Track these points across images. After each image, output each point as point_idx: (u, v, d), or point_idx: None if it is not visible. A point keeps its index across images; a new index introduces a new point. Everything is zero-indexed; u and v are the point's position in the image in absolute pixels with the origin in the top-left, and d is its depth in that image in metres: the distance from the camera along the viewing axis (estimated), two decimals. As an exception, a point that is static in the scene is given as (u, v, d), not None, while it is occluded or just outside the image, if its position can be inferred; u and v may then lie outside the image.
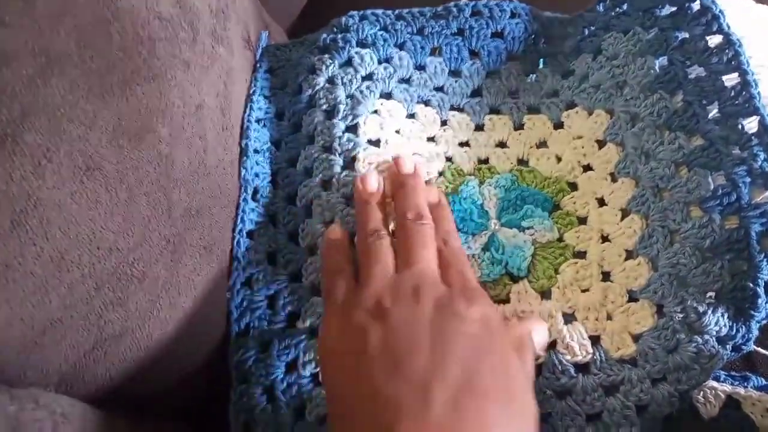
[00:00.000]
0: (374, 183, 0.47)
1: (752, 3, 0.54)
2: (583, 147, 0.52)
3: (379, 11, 0.57)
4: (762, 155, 0.41)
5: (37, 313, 0.32)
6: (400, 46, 0.57)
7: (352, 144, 0.51)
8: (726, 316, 0.41)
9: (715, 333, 0.41)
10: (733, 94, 0.44)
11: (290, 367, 0.45)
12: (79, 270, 0.34)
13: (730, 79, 0.45)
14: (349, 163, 0.51)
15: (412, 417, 0.32)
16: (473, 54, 0.57)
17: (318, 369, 0.45)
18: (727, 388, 0.46)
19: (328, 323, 0.40)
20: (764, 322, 0.42)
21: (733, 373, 0.49)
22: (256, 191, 0.52)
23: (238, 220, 0.49)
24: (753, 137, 0.42)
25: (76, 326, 0.35)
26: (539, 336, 0.43)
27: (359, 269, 0.43)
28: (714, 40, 0.46)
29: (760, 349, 0.51)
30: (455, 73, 0.57)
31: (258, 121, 0.55)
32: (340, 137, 0.52)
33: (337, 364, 0.38)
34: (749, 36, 0.49)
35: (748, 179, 0.41)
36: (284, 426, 0.43)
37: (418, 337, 0.36)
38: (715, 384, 0.46)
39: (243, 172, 0.51)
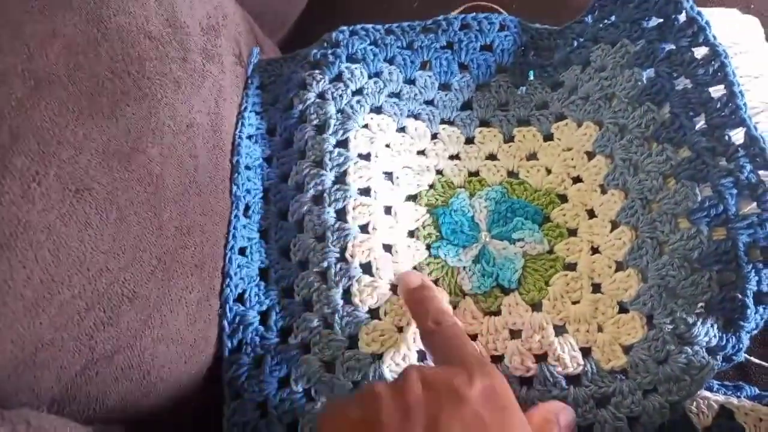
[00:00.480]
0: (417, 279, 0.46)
1: (738, 14, 0.54)
2: (572, 159, 0.52)
3: (369, 26, 0.57)
4: (748, 166, 0.41)
5: (28, 334, 0.33)
6: (390, 61, 0.57)
7: (342, 158, 0.52)
8: (715, 326, 0.41)
9: (705, 344, 0.41)
10: (719, 105, 0.44)
11: (283, 382, 0.46)
12: (70, 291, 0.34)
13: (717, 91, 0.45)
14: (340, 177, 0.51)
15: None
16: (463, 67, 0.58)
17: (310, 384, 0.45)
18: (720, 398, 0.46)
19: None
20: (755, 332, 0.42)
21: (726, 383, 0.49)
22: (247, 207, 0.52)
23: (230, 237, 0.50)
24: (739, 148, 0.42)
25: (67, 347, 0.35)
26: (566, 417, 0.40)
27: None
28: (700, 52, 0.46)
29: (753, 359, 0.51)
30: (445, 87, 0.58)
31: (249, 137, 0.55)
32: (330, 152, 0.52)
33: None
34: (736, 46, 0.50)
35: (734, 191, 0.41)
36: None
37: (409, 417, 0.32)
38: (708, 394, 0.46)
39: (234, 188, 0.52)
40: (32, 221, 0.32)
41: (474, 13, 0.57)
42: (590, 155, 0.52)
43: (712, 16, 0.49)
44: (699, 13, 0.48)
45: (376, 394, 0.35)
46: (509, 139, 0.55)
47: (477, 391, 0.33)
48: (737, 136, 0.43)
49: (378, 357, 0.45)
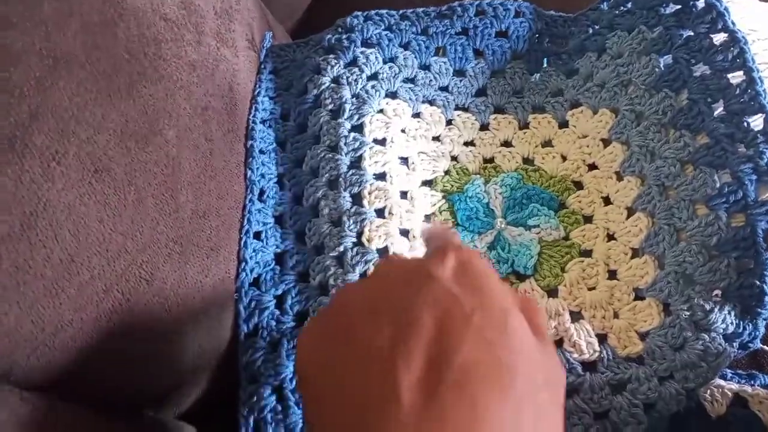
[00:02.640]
0: None
1: (757, 2, 0.54)
2: (588, 146, 0.52)
3: (384, 11, 0.57)
4: None
5: (47, 314, 0.32)
6: (405, 46, 0.57)
7: (358, 143, 0.51)
8: (732, 313, 0.41)
9: (721, 330, 0.41)
10: (738, 92, 0.44)
11: None
12: (89, 272, 0.34)
13: (735, 77, 0.45)
14: (356, 162, 0.51)
15: (384, 419, 0.26)
16: (478, 53, 0.57)
17: None
18: (734, 386, 0.46)
19: None
20: None
21: (739, 371, 0.49)
22: (262, 192, 0.52)
23: (245, 221, 0.49)
24: (759, 135, 0.42)
25: (87, 328, 0.35)
26: None
27: None
28: (719, 38, 0.46)
29: (766, 348, 0.51)
30: (460, 73, 0.57)
31: (263, 122, 0.55)
32: (346, 137, 0.52)
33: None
34: (754, 33, 0.49)
35: (754, 177, 0.41)
36: (294, 426, 0.43)
37: (379, 323, 0.29)
38: (722, 382, 0.46)
39: (249, 173, 0.51)
40: (52, 200, 0.32)
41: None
42: (606, 142, 0.51)
43: (731, 3, 0.49)
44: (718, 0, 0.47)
45: (344, 290, 0.33)
46: (524, 125, 0.55)
47: (448, 270, 0.30)
48: (756, 122, 0.43)
49: None
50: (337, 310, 0.32)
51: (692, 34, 0.48)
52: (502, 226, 0.51)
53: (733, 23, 0.46)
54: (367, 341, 0.28)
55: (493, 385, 0.26)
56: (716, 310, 0.41)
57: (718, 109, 0.45)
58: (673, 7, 0.50)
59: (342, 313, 0.31)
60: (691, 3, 0.48)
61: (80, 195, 0.34)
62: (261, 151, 0.53)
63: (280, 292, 0.48)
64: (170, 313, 0.40)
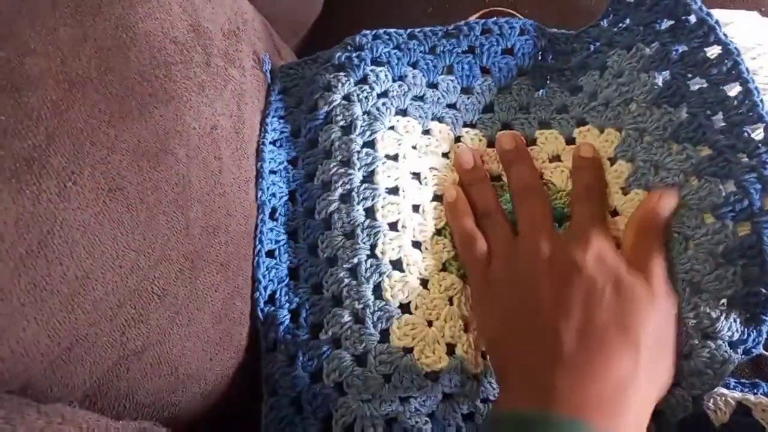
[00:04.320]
0: (469, 159, 0.54)
1: (758, 16, 0.55)
2: None
3: (392, 30, 0.58)
4: None
5: (63, 329, 0.33)
6: (414, 65, 0.58)
7: (371, 158, 0.52)
8: (738, 321, 0.41)
9: (727, 338, 0.41)
10: (736, 103, 0.44)
11: (315, 377, 0.46)
12: (103, 288, 0.35)
13: (732, 89, 0.45)
14: (368, 176, 0.52)
15: (551, 361, 0.41)
16: (484, 71, 0.58)
17: (342, 378, 0.46)
18: (737, 395, 0.46)
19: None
20: None
21: (743, 380, 0.49)
22: (274, 211, 0.53)
23: (257, 242, 0.51)
24: (760, 145, 0.42)
25: (101, 342, 0.36)
26: (667, 205, 0.46)
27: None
28: (713, 51, 0.47)
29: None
30: (467, 91, 0.58)
31: (273, 142, 0.56)
32: (358, 152, 0.53)
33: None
34: (759, 47, 0.50)
35: (758, 186, 0.41)
36: None
37: (542, 290, 0.44)
38: (725, 391, 0.46)
39: (260, 193, 0.52)
40: (68, 219, 0.33)
41: (494, 18, 0.58)
42: (612, 161, 0.52)
43: (734, 17, 0.50)
44: (708, 14, 0.48)
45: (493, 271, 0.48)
46: (531, 141, 0.56)
47: (590, 260, 0.44)
48: (757, 132, 0.43)
49: (409, 350, 0.46)
50: (502, 285, 0.47)
51: (687, 48, 0.48)
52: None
53: (725, 35, 0.46)
54: (535, 302, 0.44)
55: (620, 340, 0.40)
56: (723, 318, 0.41)
57: (719, 122, 0.45)
58: (667, 23, 0.50)
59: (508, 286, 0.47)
60: (684, 18, 0.49)
61: (95, 213, 0.35)
62: (271, 171, 0.54)
63: (294, 305, 0.50)
64: (181, 327, 0.41)
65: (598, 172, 0.51)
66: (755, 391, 0.48)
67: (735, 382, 0.48)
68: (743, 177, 0.42)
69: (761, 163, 0.42)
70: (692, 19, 0.48)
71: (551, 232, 0.47)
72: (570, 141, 0.55)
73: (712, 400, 0.45)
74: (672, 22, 0.50)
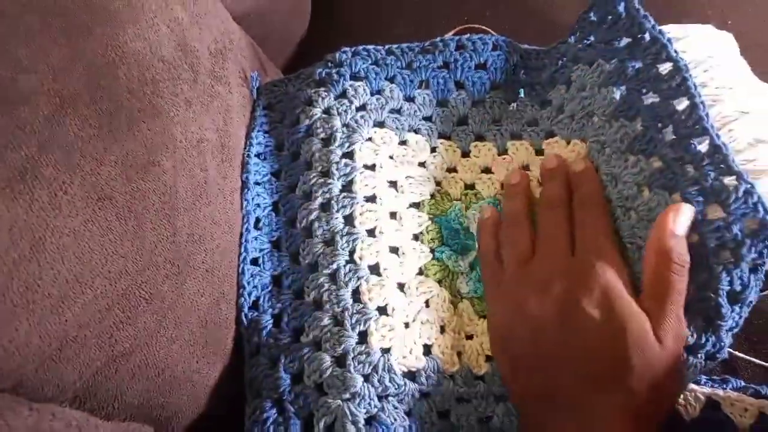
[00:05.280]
0: (516, 176, 0.55)
1: (714, 29, 0.57)
2: None
3: (370, 47, 0.60)
4: (712, 174, 0.43)
5: (54, 330, 0.35)
6: (391, 80, 0.61)
7: (349, 168, 0.55)
8: (693, 326, 0.43)
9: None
10: (684, 117, 0.46)
11: (297, 379, 0.48)
12: (92, 291, 0.37)
13: (680, 103, 0.47)
14: (347, 185, 0.55)
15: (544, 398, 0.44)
16: (459, 85, 0.61)
17: (322, 378, 0.47)
18: (706, 390, 0.48)
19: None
20: (736, 330, 0.44)
21: (714, 377, 0.51)
22: (258, 220, 0.56)
23: (242, 250, 0.53)
24: (704, 157, 0.44)
25: (90, 344, 0.38)
26: (682, 225, 0.43)
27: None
28: (664, 68, 0.49)
29: (738, 354, 0.53)
30: (442, 104, 0.61)
31: (258, 155, 0.59)
32: (337, 162, 0.55)
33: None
34: (710, 60, 0.53)
35: (700, 198, 0.43)
36: None
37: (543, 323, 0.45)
38: (694, 387, 0.48)
39: (245, 203, 0.55)
40: (59, 226, 0.35)
41: (468, 35, 0.61)
42: None
43: (689, 31, 0.52)
44: (661, 32, 0.50)
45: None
46: (503, 151, 0.58)
47: (593, 301, 0.44)
48: (702, 145, 0.45)
49: (386, 351, 0.48)
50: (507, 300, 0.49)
51: (641, 65, 0.51)
52: (480, 248, 0.54)
53: (676, 52, 0.49)
54: (537, 319, 0.45)
55: (614, 387, 0.42)
56: None
57: (669, 134, 0.47)
58: (625, 41, 0.53)
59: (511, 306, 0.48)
60: (640, 36, 0.51)
61: (85, 221, 0.37)
62: (256, 183, 0.57)
63: (277, 311, 0.51)
64: (168, 330, 0.43)
65: (566, 181, 0.53)
66: (725, 386, 0.50)
67: (706, 379, 0.50)
68: (687, 189, 0.44)
69: (704, 174, 0.43)
70: (647, 36, 0.51)
71: (566, 251, 0.48)
72: (539, 152, 0.57)
73: (682, 396, 0.47)
74: (629, 39, 0.52)
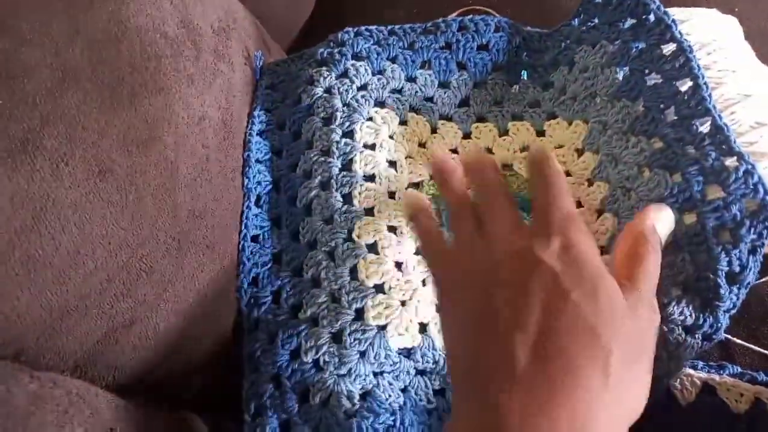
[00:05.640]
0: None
1: (718, 14, 0.57)
2: (563, 156, 0.55)
3: (373, 27, 0.61)
4: (713, 154, 0.43)
5: (55, 300, 0.36)
6: (393, 60, 0.61)
7: (349, 147, 0.55)
8: (691, 306, 0.43)
9: (680, 322, 0.43)
10: (686, 97, 0.46)
11: (294, 354, 0.48)
12: (93, 262, 0.38)
13: (684, 84, 0.47)
14: (347, 165, 0.55)
15: (502, 378, 0.34)
16: (461, 66, 0.61)
17: (319, 354, 0.47)
18: (702, 375, 0.48)
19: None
20: (733, 311, 0.44)
21: (710, 363, 0.51)
22: (258, 198, 0.56)
23: (243, 227, 0.53)
24: (706, 137, 0.44)
25: (90, 314, 0.38)
26: (663, 226, 0.41)
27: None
28: (668, 49, 0.49)
29: (735, 339, 0.53)
30: (444, 85, 0.61)
31: (260, 133, 0.59)
32: (337, 142, 0.55)
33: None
34: (714, 43, 0.52)
35: (700, 178, 0.43)
36: (290, 410, 0.46)
37: (496, 295, 0.36)
38: (691, 371, 0.48)
39: (246, 181, 0.55)
40: (60, 197, 0.36)
41: (471, 16, 0.61)
42: (579, 152, 0.54)
43: (692, 15, 0.52)
44: (665, 13, 0.50)
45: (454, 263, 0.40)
46: (504, 132, 0.58)
47: (552, 253, 0.36)
48: (704, 126, 0.45)
49: (382, 328, 0.48)
50: (460, 279, 0.39)
51: (645, 45, 0.51)
52: (480, 227, 0.54)
53: (680, 33, 0.49)
54: (486, 308, 0.36)
55: (587, 353, 0.33)
56: (674, 303, 0.43)
57: (670, 115, 0.47)
58: (630, 22, 0.53)
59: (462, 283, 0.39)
60: (644, 17, 0.51)
61: (85, 193, 0.38)
62: (257, 161, 0.57)
63: (276, 288, 0.52)
64: (168, 303, 0.43)
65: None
66: (721, 372, 0.50)
67: (703, 364, 0.50)
68: (687, 169, 0.44)
69: (704, 155, 0.44)
70: (651, 17, 0.51)
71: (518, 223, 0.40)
72: (540, 133, 0.58)
73: (678, 380, 0.47)
74: (634, 20, 0.52)
